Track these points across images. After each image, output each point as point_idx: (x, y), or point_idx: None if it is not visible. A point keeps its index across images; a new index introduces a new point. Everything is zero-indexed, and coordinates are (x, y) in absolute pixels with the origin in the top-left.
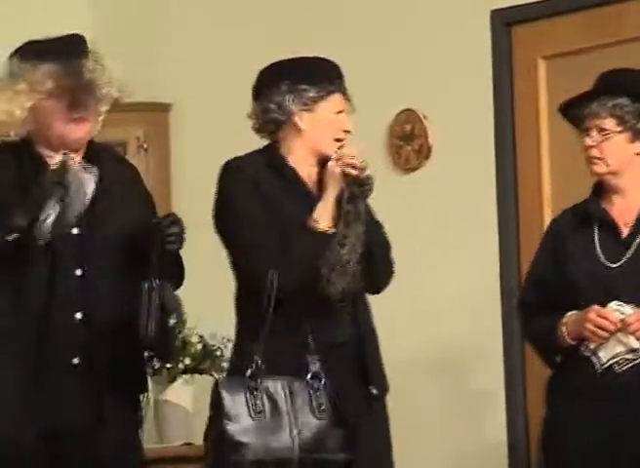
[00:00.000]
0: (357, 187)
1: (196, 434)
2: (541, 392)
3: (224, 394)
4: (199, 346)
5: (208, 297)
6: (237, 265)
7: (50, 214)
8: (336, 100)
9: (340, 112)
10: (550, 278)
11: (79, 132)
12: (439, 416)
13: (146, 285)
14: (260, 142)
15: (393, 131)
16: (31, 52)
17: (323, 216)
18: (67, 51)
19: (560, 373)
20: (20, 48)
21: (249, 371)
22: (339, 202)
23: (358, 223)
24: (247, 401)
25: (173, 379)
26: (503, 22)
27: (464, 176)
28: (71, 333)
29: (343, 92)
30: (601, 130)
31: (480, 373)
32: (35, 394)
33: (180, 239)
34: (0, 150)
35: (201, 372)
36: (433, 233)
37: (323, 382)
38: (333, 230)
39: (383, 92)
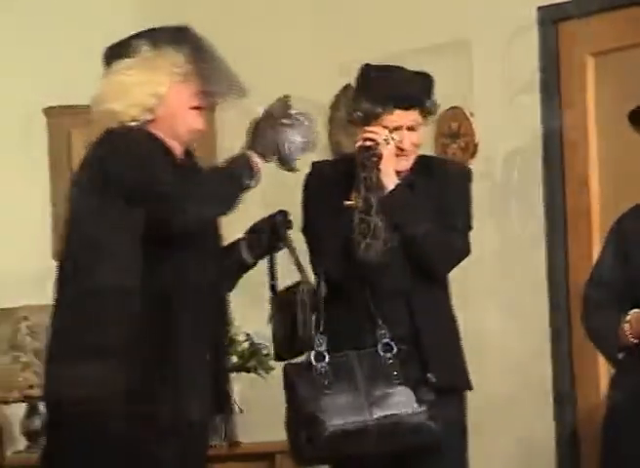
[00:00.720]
0: (364, 155)
1: (243, 432)
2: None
3: (294, 377)
4: (245, 345)
5: (254, 296)
6: None
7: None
8: (389, 119)
9: (397, 129)
10: (614, 275)
11: (201, 122)
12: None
13: (301, 293)
14: None
15: (440, 128)
16: (162, 37)
17: (353, 194)
18: (197, 41)
19: (622, 371)
20: (142, 34)
21: (312, 354)
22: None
23: (375, 190)
24: (315, 379)
25: None
26: (550, 19)
27: (511, 174)
28: (209, 329)
29: (410, 107)
30: None
31: (526, 371)
32: (182, 385)
33: (288, 236)
34: (132, 130)
35: (248, 371)
36: (480, 230)
37: (395, 352)
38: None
39: None
